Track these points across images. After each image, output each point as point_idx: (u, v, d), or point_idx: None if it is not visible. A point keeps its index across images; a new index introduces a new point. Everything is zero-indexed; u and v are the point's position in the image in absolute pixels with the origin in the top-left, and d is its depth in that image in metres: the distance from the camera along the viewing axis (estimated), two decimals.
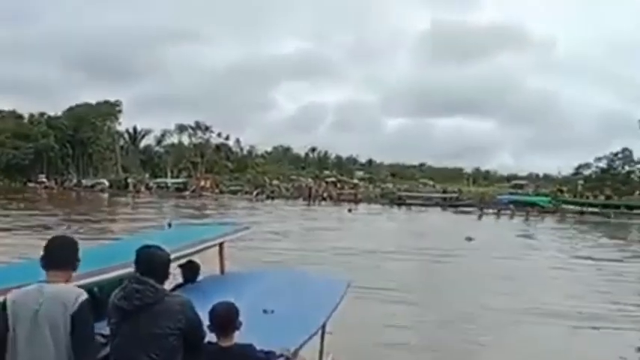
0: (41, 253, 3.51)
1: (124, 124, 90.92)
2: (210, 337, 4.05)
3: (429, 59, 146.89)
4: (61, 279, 3.43)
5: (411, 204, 56.10)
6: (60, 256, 3.49)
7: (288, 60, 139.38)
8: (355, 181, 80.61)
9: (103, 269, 4.62)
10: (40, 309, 3.30)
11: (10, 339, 3.32)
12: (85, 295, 3.39)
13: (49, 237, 3.63)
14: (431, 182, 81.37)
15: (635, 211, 55.94)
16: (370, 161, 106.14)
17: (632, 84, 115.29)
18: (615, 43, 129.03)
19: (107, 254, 5.36)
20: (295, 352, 4.53)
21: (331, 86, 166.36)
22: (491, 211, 54.09)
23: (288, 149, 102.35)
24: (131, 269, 3.87)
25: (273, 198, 64.98)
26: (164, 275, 3.83)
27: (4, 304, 3.36)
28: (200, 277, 6.88)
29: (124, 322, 3.60)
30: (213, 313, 4.04)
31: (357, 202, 60.49)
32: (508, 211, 53.35)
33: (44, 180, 76.84)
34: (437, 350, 9.68)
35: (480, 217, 49.35)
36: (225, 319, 4.02)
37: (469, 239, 26.72)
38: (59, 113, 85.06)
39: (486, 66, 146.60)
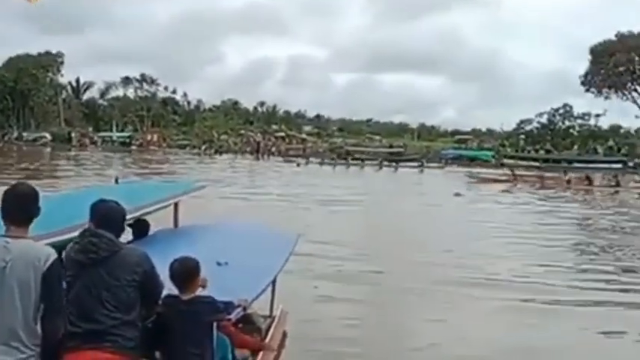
0: (1, 204, 3.35)
1: (67, 76, 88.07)
2: (171, 289, 4.16)
3: (379, 15, 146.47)
4: (24, 233, 3.32)
5: (358, 158, 56.61)
6: (22, 209, 3.34)
7: (237, 13, 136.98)
8: (303, 135, 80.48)
9: (60, 230, 4.50)
10: (7, 267, 3.20)
11: None
12: (55, 255, 3.33)
13: (6, 188, 3.44)
14: (377, 137, 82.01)
15: (574, 165, 57.83)
16: (318, 116, 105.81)
17: (575, 42, 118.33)
18: (559, 2, 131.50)
19: (58, 208, 5.09)
20: (251, 303, 4.77)
21: (281, 41, 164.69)
22: (434, 165, 55.36)
23: (236, 103, 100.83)
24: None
25: (221, 153, 64.49)
26: (120, 229, 3.84)
27: None
28: (152, 232, 6.82)
29: (80, 275, 3.60)
30: (174, 267, 4.14)
31: (305, 156, 60.68)
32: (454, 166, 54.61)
33: None
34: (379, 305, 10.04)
35: (421, 171, 50.39)
36: (187, 273, 4.13)
37: (457, 194, 27.66)
38: None
39: (435, 23, 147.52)
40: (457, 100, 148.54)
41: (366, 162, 54.61)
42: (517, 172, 39.96)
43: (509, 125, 78.43)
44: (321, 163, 53.24)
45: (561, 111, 73.84)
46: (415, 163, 54.29)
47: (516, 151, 66.76)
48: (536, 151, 66.13)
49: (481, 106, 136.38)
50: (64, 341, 3.42)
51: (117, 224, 3.81)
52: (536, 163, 57.11)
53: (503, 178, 38.84)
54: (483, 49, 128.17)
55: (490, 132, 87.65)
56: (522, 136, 73.51)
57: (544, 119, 74.25)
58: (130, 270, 3.67)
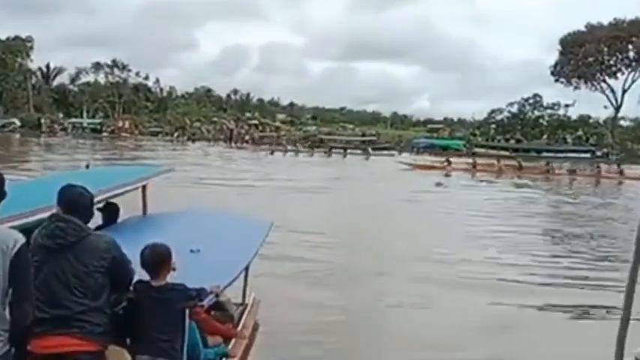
0: None
1: (36, 61, 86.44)
2: (141, 275, 4.14)
3: (355, 3, 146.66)
4: None
5: (331, 147, 56.75)
6: None
7: None
8: (277, 123, 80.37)
9: (28, 212, 4.51)
10: None
11: None
12: (23, 239, 3.27)
13: None
14: (350, 126, 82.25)
15: (543, 154, 58.80)
16: (292, 104, 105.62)
17: (546, 33, 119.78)
18: None
19: (25, 194, 5.11)
20: (223, 289, 4.76)
21: (255, 28, 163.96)
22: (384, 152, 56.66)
23: (209, 91, 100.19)
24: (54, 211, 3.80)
25: (194, 140, 64.07)
26: (88, 214, 3.82)
27: None
28: (120, 219, 6.77)
29: (47, 261, 3.58)
30: (145, 253, 4.11)
31: (278, 144, 60.52)
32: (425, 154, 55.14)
33: None
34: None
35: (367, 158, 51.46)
36: (158, 259, 4.11)
37: (439, 184, 28.72)
38: None
39: (410, 13, 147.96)
40: (430, 90, 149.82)
41: (337, 149, 54.85)
42: (451, 159, 41.90)
43: (481, 115, 79.44)
44: (296, 152, 53.26)
45: (531, 101, 74.93)
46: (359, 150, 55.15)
47: (487, 140, 67.63)
48: (507, 140, 67.13)
49: (454, 95, 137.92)
50: (31, 327, 3.38)
51: (85, 209, 3.79)
52: (507, 152, 57.95)
53: (436, 165, 40.34)
54: (458, 40, 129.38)
55: (461, 121, 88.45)
56: (493, 126, 74.42)
57: (514, 109, 75.32)
58: (98, 256, 3.65)
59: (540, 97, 74.74)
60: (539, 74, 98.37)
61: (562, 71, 71.96)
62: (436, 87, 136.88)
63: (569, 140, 66.43)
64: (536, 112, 74.81)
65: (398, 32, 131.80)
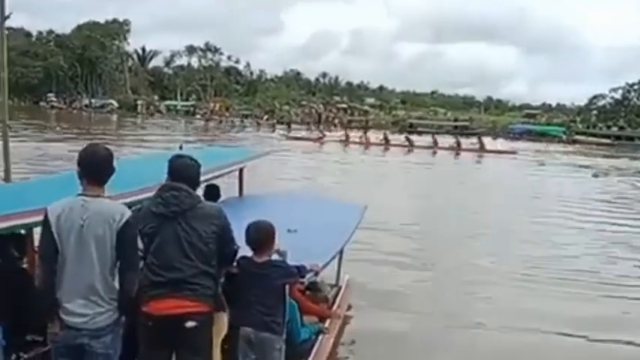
0: (79, 163, 3.41)
1: (133, 44, 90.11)
2: (245, 251, 4.18)
3: None
4: (100, 192, 3.42)
5: (421, 132, 55.74)
6: (99, 169, 3.43)
7: None
8: (366, 107, 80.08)
9: (133, 191, 4.68)
10: (85, 224, 3.31)
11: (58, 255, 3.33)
12: (129, 213, 3.43)
13: (84, 147, 3.50)
14: (442, 110, 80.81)
15: None
16: (381, 88, 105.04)
17: None
18: None
19: (126, 173, 5.17)
20: (322, 268, 4.71)
21: (343, 10, 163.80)
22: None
23: (298, 74, 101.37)
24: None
25: (283, 123, 64.80)
26: (196, 183, 3.95)
27: (46, 220, 3.34)
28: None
29: (162, 227, 3.73)
30: (250, 230, 4.18)
31: (367, 129, 59.82)
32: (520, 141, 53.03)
33: (53, 99, 76.50)
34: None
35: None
36: (263, 236, 4.17)
37: (595, 176, 26.96)
38: (68, 32, 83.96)
39: None
40: (526, 73, 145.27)
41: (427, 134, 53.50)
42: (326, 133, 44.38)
43: (581, 100, 75.95)
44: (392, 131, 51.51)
45: (636, 87, 70.62)
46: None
47: (587, 127, 64.59)
48: (609, 127, 63.86)
49: (551, 79, 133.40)
50: (148, 290, 3.63)
51: (193, 179, 3.92)
52: (608, 140, 55.25)
53: (312, 137, 42.29)
54: (555, 20, 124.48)
55: (560, 107, 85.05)
56: (594, 112, 70.84)
57: (618, 95, 71.22)
58: (209, 222, 3.78)
59: None
60: None
61: None
62: (532, 70, 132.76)
63: None
64: None
65: (491, 13, 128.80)
